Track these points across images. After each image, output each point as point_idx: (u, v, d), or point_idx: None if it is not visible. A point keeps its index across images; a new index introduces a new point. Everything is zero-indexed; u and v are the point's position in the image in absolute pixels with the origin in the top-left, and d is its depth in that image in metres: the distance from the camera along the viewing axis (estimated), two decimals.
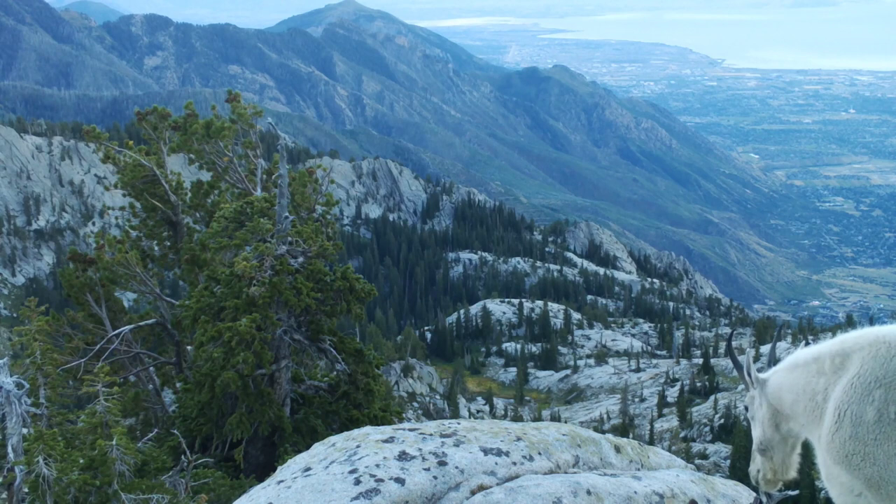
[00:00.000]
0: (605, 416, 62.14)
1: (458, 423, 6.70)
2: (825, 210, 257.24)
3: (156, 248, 15.69)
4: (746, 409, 4.63)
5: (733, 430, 54.84)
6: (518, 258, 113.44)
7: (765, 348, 71.20)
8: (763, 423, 4.48)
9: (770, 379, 4.51)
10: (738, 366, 4.75)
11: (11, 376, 9.16)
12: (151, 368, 15.09)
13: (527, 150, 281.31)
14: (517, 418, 58.77)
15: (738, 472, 44.01)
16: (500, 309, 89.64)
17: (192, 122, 15.02)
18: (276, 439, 12.64)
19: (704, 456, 53.02)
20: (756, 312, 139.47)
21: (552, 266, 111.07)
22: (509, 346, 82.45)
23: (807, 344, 4.45)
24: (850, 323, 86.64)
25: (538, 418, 59.39)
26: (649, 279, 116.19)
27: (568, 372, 75.56)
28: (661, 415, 63.72)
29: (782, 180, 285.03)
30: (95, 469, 8.10)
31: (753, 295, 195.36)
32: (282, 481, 5.77)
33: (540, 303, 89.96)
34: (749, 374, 4.57)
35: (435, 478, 5.63)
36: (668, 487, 6.09)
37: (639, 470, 6.74)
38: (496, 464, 5.90)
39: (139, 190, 15.12)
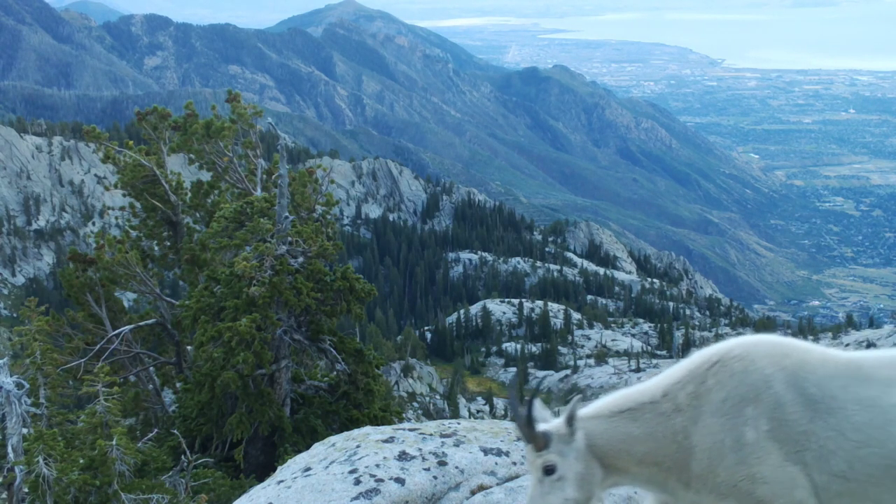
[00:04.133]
0: None
1: (458, 423, 6.71)
2: (825, 210, 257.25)
3: (156, 248, 15.70)
4: (549, 471, 3.72)
5: None
6: (518, 258, 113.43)
7: None
8: (577, 483, 3.75)
9: (594, 431, 3.79)
10: (531, 421, 3.72)
11: (11, 376, 9.16)
12: (151, 368, 15.10)
13: (527, 150, 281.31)
14: None
15: None
16: (500, 309, 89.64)
17: (192, 122, 15.03)
18: (276, 439, 12.65)
19: None
20: (756, 312, 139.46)
21: (552, 266, 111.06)
22: (509, 346, 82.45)
23: None
24: (850, 323, 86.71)
25: None
26: (649, 279, 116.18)
27: (568, 372, 75.55)
28: None
29: (782, 180, 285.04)
30: (95, 469, 8.10)
31: (753, 295, 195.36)
32: (282, 481, 5.77)
33: (540, 303, 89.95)
34: (571, 423, 3.73)
35: (435, 478, 5.64)
36: None
37: None
38: (496, 464, 5.90)
39: (139, 190, 15.13)
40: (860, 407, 3.63)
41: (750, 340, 3.80)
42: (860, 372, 3.74)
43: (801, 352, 3.79)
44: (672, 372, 3.86)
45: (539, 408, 3.84)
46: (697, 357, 3.81)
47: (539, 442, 3.70)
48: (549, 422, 3.83)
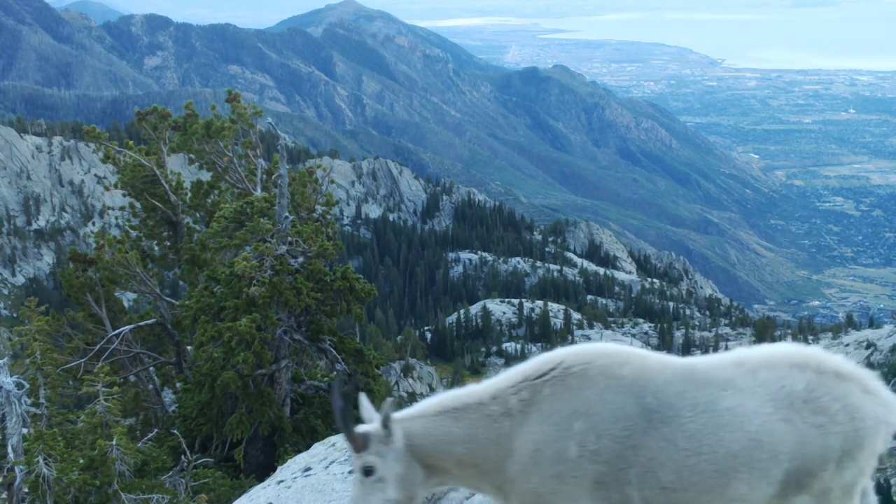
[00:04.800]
0: None
1: None
2: (825, 210, 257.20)
3: (156, 248, 15.70)
4: (368, 472, 3.62)
5: None
6: (518, 258, 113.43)
7: None
8: (397, 484, 3.65)
9: (415, 431, 3.69)
10: (346, 423, 3.61)
11: (11, 376, 9.16)
12: (151, 368, 15.10)
13: (527, 150, 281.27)
14: None
15: None
16: (500, 309, 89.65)
17: (192, 122, 15.03)
18: (276, 439, 12.65)
19: None
20: (756, 312, 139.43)
21: (552, 266, 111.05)
22: (509, 346, 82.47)
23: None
24: (850, 323, 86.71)
25: None
26: (649, 279, 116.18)
27: None
28: None
29: (782, 180, 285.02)
30: (95, 469, 8.10)
31: (753, 295, 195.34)
32: (282, 481, 5.77)
33: (540, 303, 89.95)
34: (386, 425, 3.62)
35: None
36: None
37: None
38: None
39: (139, 190, 15.13)
40: (694, 413, 3.59)
41: (589, 350, 3.74)
42: (697, 377, 3.70)
43: (640, 360, 3.73)
44: (507, 376, 3.77)
45: (367, 407, 3.76)
46: (536, 362, 3.73)
47: (357, 443, 3.62)
48: (373, 421, 3.72)
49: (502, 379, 3.77)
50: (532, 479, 3.57)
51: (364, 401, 3.77)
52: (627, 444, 3.53)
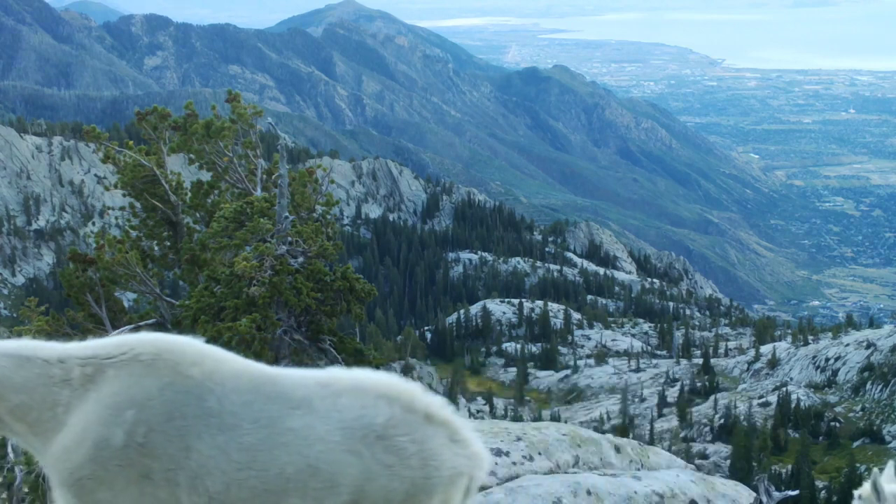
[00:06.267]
0: (605, 416, 62.14)
1: None
2: (825, 210, 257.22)
3: (156, 248, 15.68)
4: None
5: (733, 430, 54.89)
6: (518, 258, 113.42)
7: (765, 348, 71.30)
8: None
9: None
10: None
11: None
12: None
13: (527, 150, 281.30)
14: (517, 418, 58.78)
15: (738, 472, 44.02)
16: (500, 309, 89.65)
17: (192, 122, 15.02)
18: None
19: (704, 456, 53.03)
20: (756, 312, 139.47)
21: (552, 266, 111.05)
22: (509, 346, 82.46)
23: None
24: (850, 323, 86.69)
25: (538, 418, 59.41)
26: (649, 279, 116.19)
27: (568, 372, 75.55)
28: (661, 415, 63.76)
29: (782, 180, 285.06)
30: None
31: (753, 295, 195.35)
32: None
33: (540, 303, 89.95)
34: None
35: None
36: (668, 487, 6.10)
37: (639, 470, 6.74)
38: (496, 464, 5.90)
39: (139, 190, 15.11)
40: (255, 426, 3.44)
41: (164, 342, 3.59)
42: (272, 389, 3.55)
43: (214, 362, 3.60)
44: (85, 345, 3.62)
45: None
46: (113, 341, 3.60)
47: None
48: None
49: (80, 347, 3.60)
50: (73, 459, 3.40)
51: None
52: (180, 446, 3.39)
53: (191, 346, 3.63)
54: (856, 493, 4.18)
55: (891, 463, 4.14)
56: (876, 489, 4.00)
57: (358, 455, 3.44)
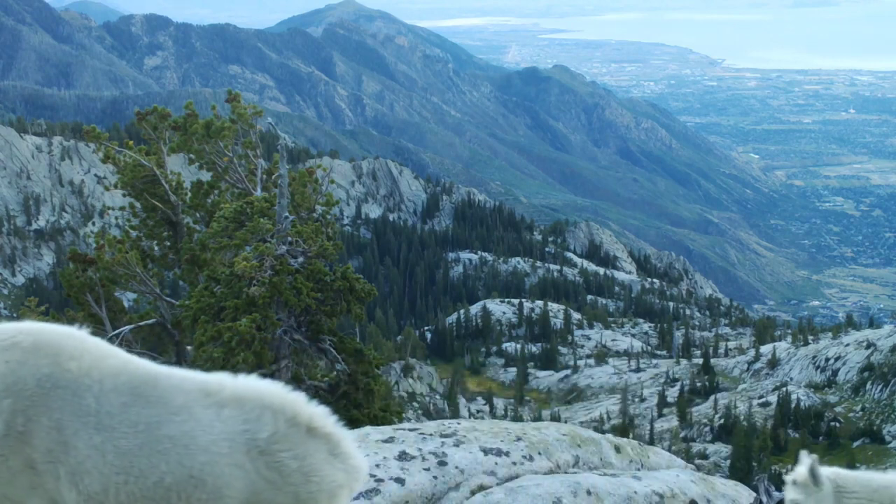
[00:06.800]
0: (605, 416, 62.13)
1: (458, 423, 6.70)
2: (825, 210, 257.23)
3: (156, 248, 15.69)
4: None
5: (733, 430, 54.88)
6: (518, 258, 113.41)
7: (765, 348, 71.29)
8: None
9: None
10: None
11: None
12: None
13: (527, 150, 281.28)
14: (517, 418, 58.79)
15: (738, 472, 44.03)
16: (500, 309, 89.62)
17: (192, 122, 15.03)
18: None
19: (704, 456, 53.02)
20: (756, 312, 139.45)
21: (552, 266, 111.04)
22: (509, 346, 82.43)
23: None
24: (850, 323, 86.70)
25: (538, 418, 59.42)
26: (649, 279, 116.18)
27: (568, 372, 75.55)
28: (661, 415, 63.74)
29: (782, 180, 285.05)
30: None
31: (753, 295, 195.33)
32: None
33: (540, 303, 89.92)
34: None
35: (435, 478, 5.63)
36: (668, 487, 6.10)
37: (639, 470, 6.75)
38: (496, 464, 5.90)
39: (139, 190, 15.12)
40: (132, 430, 3.35)
41: (47, 332, 3.49)
42: (152, 392, 3.45)
43: (93, 358, 3.47)
44: None
45: None
46: (2, 328, 3.49)
47: None
48: None
49: None
50: None
51: None
52: (58, 440, 3.32)
53: (71, 338, 3.51)
54: (789, 478, 4.14)
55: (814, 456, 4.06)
56: (813, 474, 3.94)
57: (242, 468, 3.41)
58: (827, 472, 4.07)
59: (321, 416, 3.62)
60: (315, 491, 3.50)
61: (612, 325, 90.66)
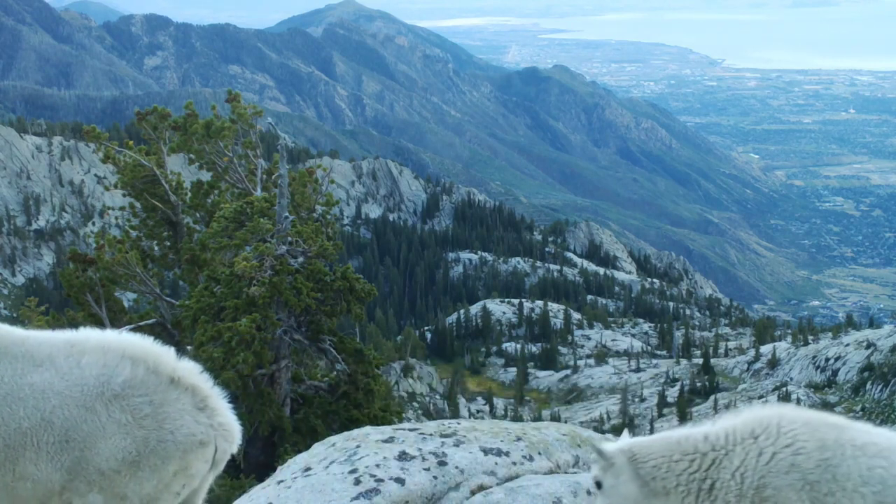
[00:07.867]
0: (605, 416, 62.12)
1: (458, 423, 6.70)
2: (825, 210, 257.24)
3: (156, 248, 15.69)
4: None
5: None
6: (518, 258, 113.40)
7: (765, 348, 71.29)
8: None
9: None
10: None
11: None
12: None
13: (527, 150, 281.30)
14: (517, 418, 58.78)
15: None
16: (500, 309, 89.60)
17: (192, 122, 15.03)
18: (276, 439, 12.65)
19: None
20: (756, 312, 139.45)
21: (552, 266, 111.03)
22: (509, 346, 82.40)
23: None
24: (850, 323, 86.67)
25: (538, 418, 59.41)
26: (649, 279, 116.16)
27: (568, 372, 75.53)
28: (661, 415, 63.69)
29: (782, 180, 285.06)
30: None
31: (753, 295, 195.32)
32: (282, 481, 5.77)
33: (540, 303, 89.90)
34: None
35: (435, 478, 5.64)
36: None
37: None
38: (496, 464, 5.90)
39: (139, 190, 15.13)
40: None
41: None
42: (19, 349, 3.64)
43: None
44: None
45: None
46: None
47: None
48: None
49: None
50: None
51: None
52: None
53: None
54: (592, 456, 4.13)
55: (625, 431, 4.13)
56: (598, 451, 3.91)
57: (93, 412, 3.52)
58: (621, 443, 3.99)
59: (189, 369, 3.70)
60: (167, 441, 3.54)
61: (612, 325, 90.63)
